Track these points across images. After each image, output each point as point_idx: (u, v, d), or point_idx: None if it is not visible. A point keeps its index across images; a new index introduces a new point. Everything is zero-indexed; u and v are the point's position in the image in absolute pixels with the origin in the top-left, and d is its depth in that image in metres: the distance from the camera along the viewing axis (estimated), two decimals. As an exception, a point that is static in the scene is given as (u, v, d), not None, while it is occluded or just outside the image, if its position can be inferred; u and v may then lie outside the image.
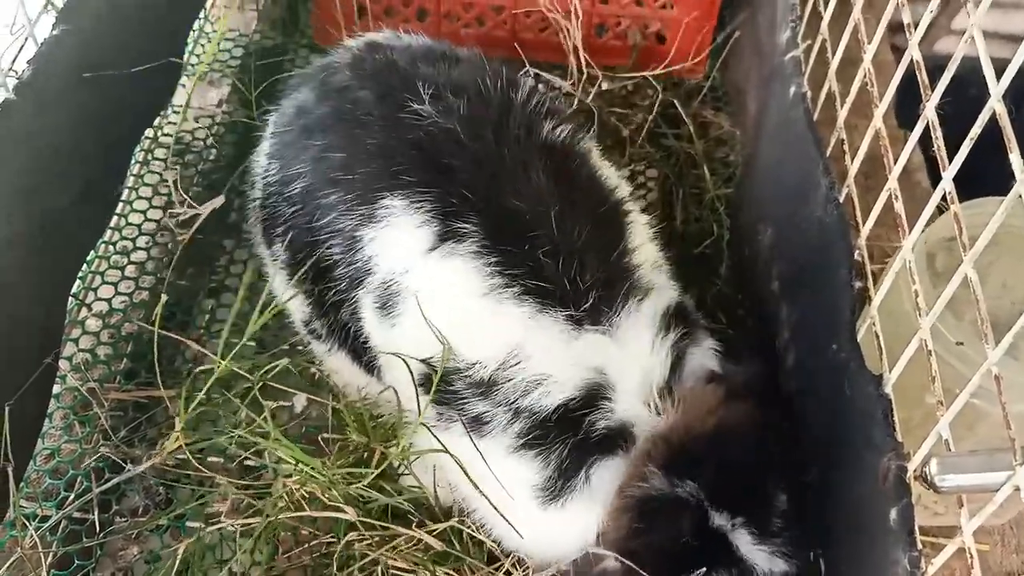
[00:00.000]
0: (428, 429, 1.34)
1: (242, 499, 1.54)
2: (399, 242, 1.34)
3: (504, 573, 1.43)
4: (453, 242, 1.30)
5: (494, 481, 1.29)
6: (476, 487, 1.31)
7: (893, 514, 1.05)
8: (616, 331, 1.29)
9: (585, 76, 2.15)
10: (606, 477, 1.28)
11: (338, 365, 1.61)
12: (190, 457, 1.43)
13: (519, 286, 1.27)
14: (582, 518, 1.28)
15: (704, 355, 1.40)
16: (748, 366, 1.42)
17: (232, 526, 1.49)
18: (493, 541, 1.43)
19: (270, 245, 1.58)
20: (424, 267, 1.32)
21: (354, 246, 1.38)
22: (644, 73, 2.21)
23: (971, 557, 0.95)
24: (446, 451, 1.32)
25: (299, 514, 1.41)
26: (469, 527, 1.41)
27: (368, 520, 1.42)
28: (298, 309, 1.60)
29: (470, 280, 1.28)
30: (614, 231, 1.38)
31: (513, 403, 1.26)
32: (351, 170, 1.38)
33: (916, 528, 1.02)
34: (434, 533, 1.41)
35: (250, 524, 1.48)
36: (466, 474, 1.31)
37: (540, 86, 1.56)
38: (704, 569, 1.21)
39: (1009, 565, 1.65)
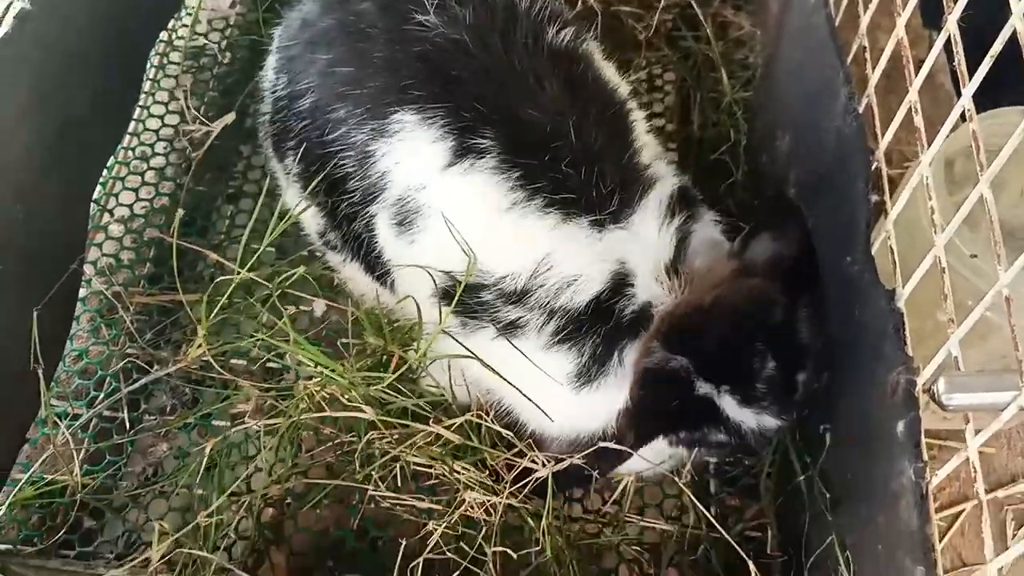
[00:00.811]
0: (451, 336, 1.37)
1: (265, 400, 1.59)
2: (414, 157, 1.34)
3: (516, 454, 1.47)
4: (472, 157, 1.30)
5: (527, 374, 1.34)
6: (507, 381, 1.36)
7: (900, 426, 1.08)
8: (633, 226, 1.33)
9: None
10: (633, 357, 1.33)
11: (353, 274, 1.64)
12: (213, 363, 1.47)
13: (542, 198, 1.29)
14: (613, 396, 1.34)
15: (706, 228, 1.42)
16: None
17: (256, 426, 1.55)
18: (512, 428, 1.48)
19: (282, 159, 1.58)
20: (442, 183, 1.32)
21: (367, 160, 1.38)
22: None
23: (975, 471, 0.99)
24: (473, 356, 1.35)
25: (320, 415, 1.45)
26: (486, 420, 1.45)
27: (388, 419, 1.47)
28: (313, 220, 1.61)
29: (492, 196, 1.30)
30: (624, 132, 1.40)
31: (547, 305, 1.31)
32: (359, 84, 1.37)
33: (923, 440, 1.05)
34: (452, 428, 1.45)
35: (273, 424, 1.53)
36: (494, 371, 1.35)
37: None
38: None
39: (1015, 467, 1.70)
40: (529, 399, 1.37)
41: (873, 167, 1.29)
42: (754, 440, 1.32)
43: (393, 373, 1.44)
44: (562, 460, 1.38)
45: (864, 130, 1.33)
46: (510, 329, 1.34)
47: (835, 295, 1.36)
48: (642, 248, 1.33)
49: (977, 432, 1.00)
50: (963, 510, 1.65)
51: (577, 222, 1.30)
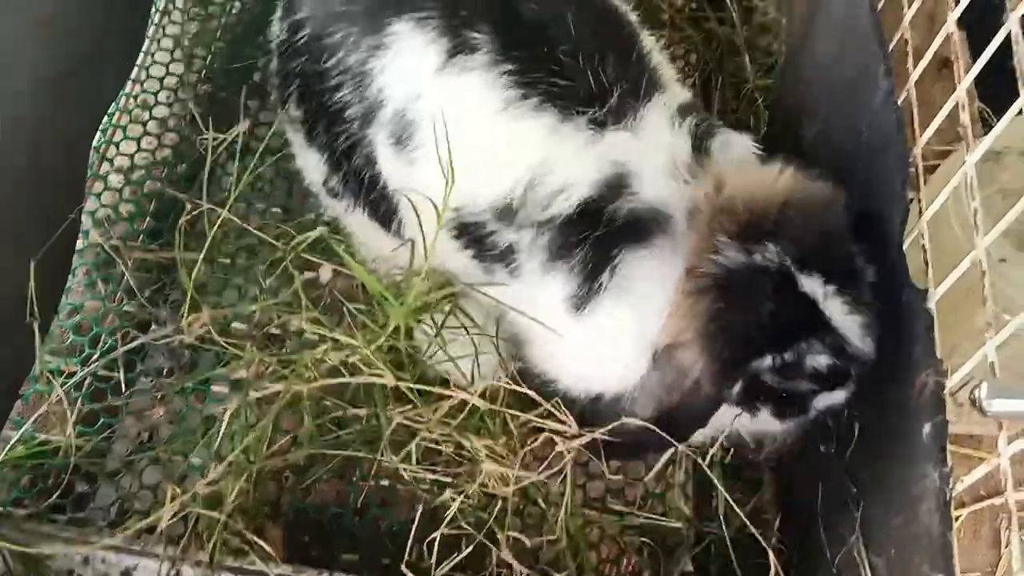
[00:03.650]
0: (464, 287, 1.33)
1: (268, 366, 1.54)
2: (408, 64, 1.28)
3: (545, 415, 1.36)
4: (464, 55, 1.24)
5: (534, 316, 1.25)
6: (528, 318, 1.25)
7: (927, 429, 1.06)
8: (638, 125, 1.25)
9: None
10: (640, 267, 1.19)
11: (358, 225, 1.57)
12: (212, 333, 1.40)
13: (538, 95, 1.22)
14: (624, 320, 1.20)
15: (731, 136, 1.31)
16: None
17: (257, 393, 1.50)
18: (545, 385, 1.37)
19: (285, 107, 1.53)
20: (436, 89, 1.26)
21: (363, 81, 1.32)
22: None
23: (1004, 480, 0.97)
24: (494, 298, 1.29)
25: (337, 380, 1.38)
26: (513, 385, 1.36)
27: (409, 384, 1.39)
28: (315, 169, 1.55)
29: (484, 96, 1.23)
30: (628, 34, 1.35)
31: (535, 219, 1.23)
32: (355, 1, 1.33)
33: (947, 444, 1.04)
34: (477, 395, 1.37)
35: (274, 390, 1.48)
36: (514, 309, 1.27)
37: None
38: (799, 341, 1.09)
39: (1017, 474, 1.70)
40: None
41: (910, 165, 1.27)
42: (858, 366, 1.12)
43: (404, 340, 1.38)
44: (599, 432, 1.23)
45: (903, 124, 1.31)
46: (509, 257, 1.28)
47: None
48: (649, 148, 1.24)
49: (1011, 440, 1.00)
50: (960, 515, 1.64)
51: (574, 121, 1.22)
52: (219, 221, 1.43)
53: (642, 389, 1.22)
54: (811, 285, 1.09)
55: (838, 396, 1.19)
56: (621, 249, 1.19)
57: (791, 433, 1.31)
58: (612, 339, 1.23)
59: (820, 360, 1.12)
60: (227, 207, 1.44)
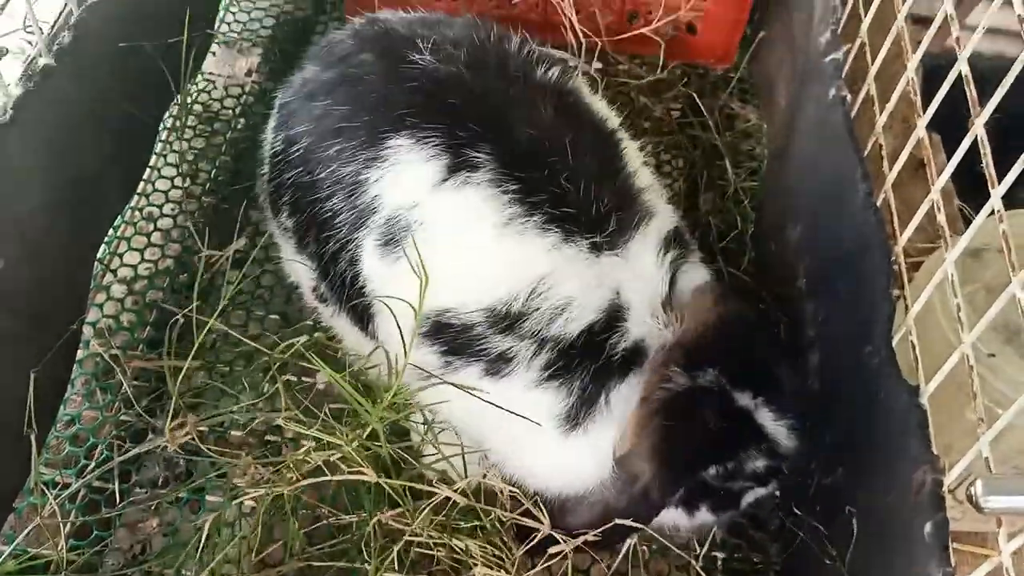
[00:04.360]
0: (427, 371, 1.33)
1: (262, 476, 1.54)
2: (406, 177, 1.32)
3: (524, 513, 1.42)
4: (466, 171, 1.29)
5: (512, 419, 1.30)
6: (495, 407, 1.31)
7: (928, 528, 1.06)
8: (628, 253, 1.32)
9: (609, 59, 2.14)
10: (624, 397, 1.30)
11: (342, 327, 1.61)
12: (198, 443, 1.41)
13: (542, 214, 1.28)
14: (603, 441, 1.30)
15: (695, 269, 1.43)
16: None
17: (252, 500, 1.49)
18: (514, 485, 1.44)
19: (277, 216, 1.57)
20: (435, 200, 1.30)
21: (357, 190, 1.37)
22: (672, 58, 2.20)
23: None
24: (469, 392, 1.31)
25: (319, 479, 1.39)
26: (491, 480, 1.40)
27: (391, 481, 1.41)
28: (306, 276, 1.59)
29: (488, 210, 1.28)
30: (617, 157, 1.41)
31: (539, 334, 1.28)
32: (354, 119, 1.38)
33: (950, 544, 1.03)
34: (458, 491, 1.39)
35: (259, 495, 1.47)
36: (475, 395, 1.31)
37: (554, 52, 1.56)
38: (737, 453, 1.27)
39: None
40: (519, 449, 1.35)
41: (893, 263, 1.30)
42: (788, 462, 1.29)
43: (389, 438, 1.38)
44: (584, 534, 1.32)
45: (883, 225, 1.35)
46: (498, 363, 1.30)
47: (855, 385, 1.35)
48: (637, 280, 1.33)
49: (1011, 537, 0.99)
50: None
51: (576, 243, 1.28)
52: (206, 328, 1.45)
53: (598, 491, 1.34)
54: (744, 400, 1.26)
55: (768, 489, 1.37)
56: (616, 382, 1.30)
57: (723, 524, 1.52)
58: (594, 454, 1.32)
59: (758, 463, 1.29)
60: (215, 315, 1.46)
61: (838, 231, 1.49)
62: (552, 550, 1.34)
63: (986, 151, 1.12)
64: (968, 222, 1.14)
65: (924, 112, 1.32)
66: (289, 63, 2.03)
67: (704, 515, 1.37)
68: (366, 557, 1.40)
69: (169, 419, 1.48)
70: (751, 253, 1.96)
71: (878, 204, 1.38)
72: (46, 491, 1.46)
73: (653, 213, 1.38)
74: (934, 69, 1.72)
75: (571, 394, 1.29)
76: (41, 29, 1.40)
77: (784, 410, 1.28)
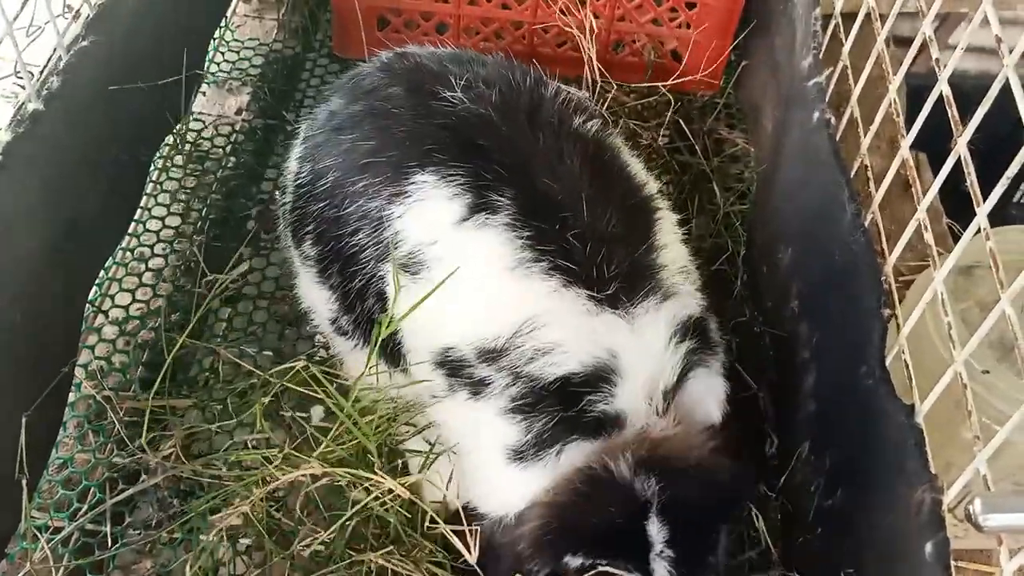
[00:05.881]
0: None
1: (259, 515, 1.52)
2: (429, 214, 1.34)
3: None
4: (487, 213, 1.30)
5: (472, 437, 1.33)
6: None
7: (928, 547, 1.05)
8: (634, 321, 1.28)
9: (599, 86, 2.15)
10: (575, 456, 1.27)
11: (360, 363, 1.58)
12: (181, 456, 1.39)
13: (547, 262, 1.28)
14: (535, 483, 1.28)
15: (710, 378, 1.39)
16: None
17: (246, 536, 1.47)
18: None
19: (299, 245, 1.58)
20: (454, 237, 1.32)
21: (381, 225, 1.38)
22: (658, 84, 2.21)
23: (1011, 595, 0.96)
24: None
25: (295, 473, 1.40)
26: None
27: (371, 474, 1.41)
28: (324, 307, 1.58)
29: (501, 252, 1.29)
30: (642, 226, 1.38)
31: (515, 369, 1.27)
32: (381, 154, 1.39)
33: (951, 563, 1.02)
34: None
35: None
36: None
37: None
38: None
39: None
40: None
41: (883, 283, 1.30)
42: None
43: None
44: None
45: (872, 245, 1.36)
46: (479, 386, 1.31)
47: (851, 406, 1.35)
48: (642, 353, 1.29)
49: (1012, 554, 0.98)
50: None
51: (575, 290, 1.27)
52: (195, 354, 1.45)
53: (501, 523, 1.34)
54: (655, 532, 1.20)
55: None
56: (577, 438, 1.27)
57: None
58: (515, 492, 1.31)
59: None
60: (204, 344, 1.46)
61: (828, 252, 1.49)
62: None
63: (970, 170, 1.13)
64: (957, 240, 1.14)
65: (908, 133, 1.34)
66: (279, 101, 2.06)
67: None
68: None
69: (144, 431, 1.45)
70: (743, 276, 1.97)
71: (866, 224, 1.38)
72: (38, 535, 1.44)
73: (670, 293, 1.33)
74: (918, 89, 1.74)
75: (529, 432, 1.28)
76: (31, 74, 1.41)
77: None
